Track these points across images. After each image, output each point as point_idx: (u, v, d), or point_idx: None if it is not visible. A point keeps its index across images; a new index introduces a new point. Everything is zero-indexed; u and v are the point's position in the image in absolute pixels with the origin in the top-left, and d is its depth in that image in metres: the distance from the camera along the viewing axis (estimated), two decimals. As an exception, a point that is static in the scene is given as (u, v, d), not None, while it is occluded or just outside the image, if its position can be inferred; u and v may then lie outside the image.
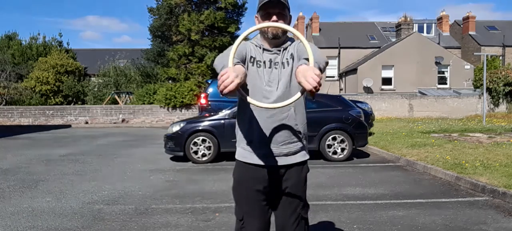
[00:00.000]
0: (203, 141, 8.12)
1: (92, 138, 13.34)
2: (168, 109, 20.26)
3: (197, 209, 4.76)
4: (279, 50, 2.12)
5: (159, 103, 20.27)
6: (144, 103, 21.03)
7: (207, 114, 9.09)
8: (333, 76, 31.60)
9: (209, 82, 12.94)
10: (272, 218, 2.26)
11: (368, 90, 26.55)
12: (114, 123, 20.44)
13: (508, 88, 22.08)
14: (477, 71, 24.60)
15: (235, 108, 8.40)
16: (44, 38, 30.70)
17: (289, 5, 2.13)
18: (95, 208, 4.84)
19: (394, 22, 32.24)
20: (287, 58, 2.11)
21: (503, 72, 22.40)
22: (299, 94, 1.80)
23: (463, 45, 31.78)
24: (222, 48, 21.16)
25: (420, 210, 4.68)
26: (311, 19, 33.51)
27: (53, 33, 74.80)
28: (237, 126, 2.23)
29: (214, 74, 19.98)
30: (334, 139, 8.33)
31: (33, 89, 24.11)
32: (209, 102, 11.57)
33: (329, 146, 8.32)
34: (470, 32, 31.08)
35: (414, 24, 31.03)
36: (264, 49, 2.13)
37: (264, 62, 2.11)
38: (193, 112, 19.49)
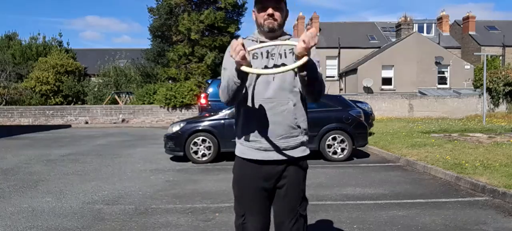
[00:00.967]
0: (203, 141, 8.12)
1: (92, 138, 13.34)
2: (168, 109, 20.26)
3: (197, 209, 4.76)
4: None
5: (159, 103, 20.27)
6: (144, 103, 21.02)
7: (207, 114, 9.08)
8: (333, 76, 31.60)
9: (209, 82, 12.94)
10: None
11: (368, 90, 26.55)
12: (114, 123, 20.44)
13: (508, 88, 22.07)
14: (477, 71, 24.60)
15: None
16: (44, 38, 30.73)
17: None
18: (95, 208, 4.84)
19: (394, 22, 32.24)
20: (285, 50, 2.14)
21: (503, 72, 22.40)
22: (300, 62, 1.86)
23: (463, 45, 31.79)
24: (222, 48, 21.17)
25: (420, 210, 4.68)
26: (311, 19, 33.51)
27: (53, 33, 74.87)
28: (235, 122, 2.25)
29: (214, 74, 20.00)
30: (334, 139, 8.33)
31: (33, 89, 24.10)
32: (209, 102, 11.57)
33: (329, 146, 8.32)
34: (470, 32, 31.08)
35: (414, 24, 31.03)
36: (261, 41, 2.15)
37: (262, 53, 2.14)
38: (193, 112, 19.49)
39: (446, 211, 4.63)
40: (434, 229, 4.02)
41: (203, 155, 8.11)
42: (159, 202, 5.12)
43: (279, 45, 2.10)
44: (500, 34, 30.91)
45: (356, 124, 8.52)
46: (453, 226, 4.10)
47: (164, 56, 22.19)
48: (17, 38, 31.58)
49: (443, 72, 27.64)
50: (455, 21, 33.65)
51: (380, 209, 4.71)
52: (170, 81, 22.13)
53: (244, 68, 1.89)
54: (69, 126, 19.70)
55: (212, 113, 8.91)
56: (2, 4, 67.25)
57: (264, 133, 2.11)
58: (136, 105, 21.05)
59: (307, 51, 1.84)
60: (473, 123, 16.54)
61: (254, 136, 2.13)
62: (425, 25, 32.30)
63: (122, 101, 22.94)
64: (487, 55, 22.50)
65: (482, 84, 19.61)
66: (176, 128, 8.32)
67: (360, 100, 16.06)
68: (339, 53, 31.36)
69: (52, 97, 24.65)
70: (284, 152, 2.13)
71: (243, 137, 2.18)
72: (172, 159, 8.62)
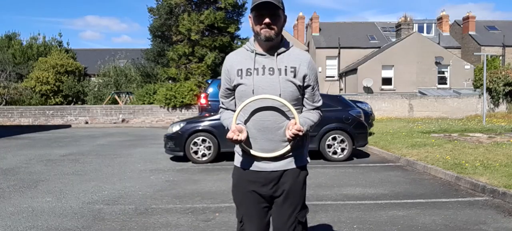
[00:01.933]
0: (203, 141, 8.12)
1: (92, 138, 13.34)
2: (168, 109, 20.26)
3: (197, 209, 4.76)
4: (273, 55, 2.08)
5: (159, 103, 20.27)
6: (144, 103, 21.03)
7: (207, 114, 9.08)
8: (333, 76, 31.61)
9: (209, 82, 12.93)
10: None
11: (368, 90, 26.55)
12: (114, 123, 20.44)
13: (508, 88, 22.08)
14: (477, 71, 24.60)
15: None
16: (44, 38, 30.74)
17: (283, 5, 2.07)
18: (95, 208, 4.84)
19: (394, 22, 32.25)
20: (286, 67, 2.07)
21: (503, 72, 22.40)
22: (288, 147, 2.07)
23: (463, 45, 31.79)
24: (222, 48, 21.19)
25: (420, 210, 4.68)
26: (311, 19, 33.51)
27: (53, 33, 74.87)
28: None
29: (214, 74, 20.00)
30: (334, 139, 8.33)
31: (33, 89, 24.10)
32: (209, 102, 11.56)
33: (329, 146, 8.32)
34: (470, 32, 31.09)
35: (414, 24, 31.04)
36: (257, 53, 2.09)
37: (257, 69, 2.06)
38: (193, 112, 19.49)
39: (446, 211, 4.63)
40: (434, 229, 4.02)
41: (203, 155, 8.11)
42: (159, 202, 5.12)
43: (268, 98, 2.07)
44: (500, 34, 30.92)
45: (356, 124, 8.52)
46: (453, 226, 4.10)
47: (164, 56, 22.18)
48: (17, 38, 31.58)
49: (443, 72, 27.65)
50: (455, 21, 33.66)
51: (380, 209, 4.71)
52: (170, 81, 22.13)
53: (243, 146, 2.10)
54: (69, 126, 19.70)
55: (212, 113, 8.91)
56: (2, 4, 67.28)
57: (261, 148, 2.09)
58: (136, 105, 21.05)
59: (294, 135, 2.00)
60: (473, 123, 16.54)
61: (252, 149, 2.11)
62: (425, 25, 32.31)
63: (122, 101, 22.94)
64: (487, 55, 22.49)
65: (482, 84, 19.61)
66: (176, 128, 8.32)
67: (360, 100, 16.06)
68: (339, 53, 31.36)
69: (52, 97, 24.65)
70: (281, 163, 2.12)
71: (241, 149, 2.16)
72: (172, 159, 8.62)
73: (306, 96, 2.17)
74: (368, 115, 12.27)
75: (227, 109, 2.24)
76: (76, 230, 4.06)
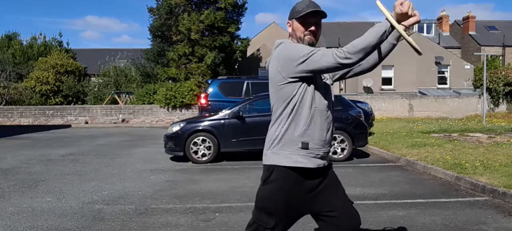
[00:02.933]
0: (203, 141, 8.12)
1: (92, 138, 13.34)
2: (168, 109, 20.26)
3: (197, 209, 4.76)
4: None
5: (159, 103, 20.27)
6: (144, 103, 21.03)
7: (207, 114, 9.09)
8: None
9: (209, 82, 12.94)
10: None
11: (368, 90, 26.55)
12: (114, 123, 20.44)
13: (508, 88, 22.07)
14: (477, 71, 24.60)
15: (235, 108, 8.42)
16: (44, 38, 30.72)
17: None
18: (95, 208, 4.84)
19: (394, 22, 32.20)
20: None
21: (503, 72, 22.39)
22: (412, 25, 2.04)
23: (463, 45, 31.79)
24: (222, 48, 21.20)
25: (420, 210, 4.68)
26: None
27: (53, 33, 74.90)
28: (283, 129, 2.10)
29: (214, 74, 19.99)
30: (334, 138, 8.33)
31: (33, 89, 24.10)
32: (209, 102, 11.57)
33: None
34: (470, 32, 31.09)
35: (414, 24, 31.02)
36: None
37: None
38: (193, 112, 19.48)
39: (446, 211, 4.63)
40: (434, 229, 4.02)
41: (203, 155, 8.10)
42: (159, 202, 5.12)
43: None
44: (500, 34, 30.92)
45: (356, 124, 8.52)
46: (453, 226, 4.10)
47: (164, 56, 22.19)
48: (17, 38, 31.58)
49: (443, 72, 27.65)
50: (455, 21, 33.65)
51: (380, 209, 4.71)
52: (170, 81, 22.13)
53: (400, 30, 1.97)
54: (69, 126, 19.69)
55: (212, 113, 8.92)
56: (2, 4, 67.27)
57: (322, 140, 2.13)
58: (136, 105, 21.04)
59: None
60: (473, 123, 16.54)
61: (313, 144, 2.10)
62: (425, 25, 32.31)
63: (122, 101, 22.94)
64: (487, 55, 22.49)
65: (482, 84, 19.60)
66: (176, 128, 8.32)
67: (360, 100, 16.06)
68: (339, 53, 31.33)
69: (52, 97, 24.65)
70: (327, 157, 2.22)
71: (297, 146, 2.08)
72: (172, 159, 8.62)
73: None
74: (368, 115, 12.27)
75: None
76: (76, 230, 4.06)
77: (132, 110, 20.62)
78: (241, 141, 8.11)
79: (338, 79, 2.40)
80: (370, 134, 11.42)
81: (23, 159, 8.72)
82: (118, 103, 22.31)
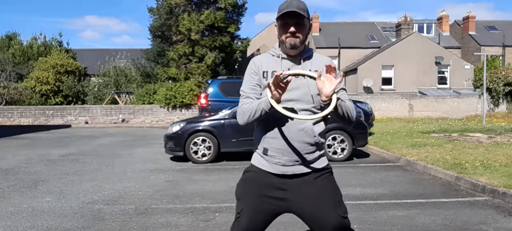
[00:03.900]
0: (203, 141, 8.12)
1: (92, 138, 13.34)
2: (168, 109, 20.27)
3: (197, 209, 4.76)
4: (299, 59, 2.11)
5: (159, 103, 20.27)
6: (144, 103, 21.03)
7: (207, 114, 9.09)
8: (333, 76, 31.57)
9: (209, 82, 12.94)
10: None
11: (368, 90, 26.55)
12: (114, 123, 20.45)
13: (508, 88, 22.08)
14: (477, 71, 24.60)
15: (235, 108, 8.42)
16: (44, 38, 30.72)
17: (308, 14, 2.10)
18: (95, 208, 4.84)
19: (394, 22, 32.24)
20: (310, 70, 2.08)
21: (503, 72, 22.40)
22: (331, 107, 1.92)
23: (463, 45, 31.78)
24: (222, 48, 21.19)
25: (420, 210, 4.67)
26: (311, 19, 33.51)
27: (53, 33, 74.74)
28: (255, 131, 2.19)
29: (214, 74, 20.00)
30: (334, 139, 8.33)
31: (33, 89, 24.10)
32: (209, 102, 11.58)
33: (329, 146, 8.32)
34: (470, 32, 31.08)
35: (414, 24, 31.04)
36: (282, 57, 2.12)
37: (283, 71, 2.06)
38: (193, 112, 19.49)
39: (446, 211, 4.63)
40: (434, 229, 4.02)
41: (203, 155, 8.10)
42: (159, 202, 5.12)
43: (302, 74, 2.03)
44: (500, 34, 30.91)
45: (356, 124, 8.52)
46: (453, 226, 4.10)
47: (164, 56, 22.20)
48: (17, 38, 31.58)
49: (443, 72, 27.64)
50: (455, 21, 33.64)
51: (380, 209, 4.71)
52: (170, 81, 22.13)
53: (278, 107, 1.90)
54: (69, 126, 19.70)
55: (212, 113, 8.92)
56: (3, 4, 67.27)
57: (281, 150, 2.06)
58: (136, 105, 21.05)
59: (332, 93, 1.91)
60: (473, 123, 16.54)
61: (272, 151, 2.08)
62: (425, 25, 32.30)
63: (122, 101, 22.94)
64: (487, 55, 22.50)
65: (482, 84, 19.61)
66: (176, 128, 8.32)
67: (360, 100, 16.06)
68: (339, 53, 31.36)
69: (52, 97, 24.65)
70: (301, 166, 2.09)
71: (262, 150, 2.12)
72: (172, 159, 8.62)
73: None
74: (368, 115, 12.27)
75: (251, 100, 2.11)
76: (76, 230, 4.06)
77: (132, 110, 20.63)
78: (241, 141, 8.11)
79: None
80: (370, 134, 11.42)
81: (23, 159, 8.72)
82: (118, 103, 22.32)
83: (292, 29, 2.04)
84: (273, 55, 2.16)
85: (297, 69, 2.05)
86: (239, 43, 23.47)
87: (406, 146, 9.33)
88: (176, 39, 21.38)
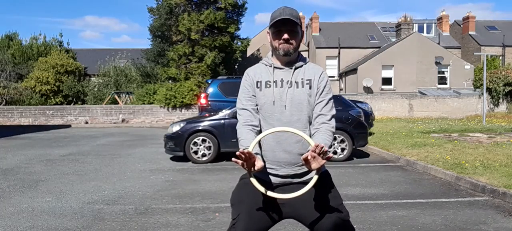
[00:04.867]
0: (203, 141, 8.12)
1: (92, 138, 13.34)
2: (168, 109, 20.27)
3: (197, 209, 4.76)
4: (291, 68, 2.13)
5: (159, 103, 20.27)
6: (144, 103, 21.03)
7: (207, 114, 9.09)
8: (333, 76, 31.60)
9: (209, 82, 12.94)
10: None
11: (368, 90, 26.55)
12: (114, 123, 20.44)
13: (508, 88, 22.07)
14: (477, 71, 24.60)
15: (235, 108, 8.42)
16: (45, 38, 30.69)
17: (300, 22, 2.12)
18: (95, 208, 4.84)
19: (394, 22, 32.24)
20: (302, 79, 2.12)
21: (503, 72, 22.40)
22: (315, 178, 1.93)
23: (463, 45, 31.78)
24: (222, 48, 21.18)
25: (420, 210, 4.68)
26: (311, 19, 33.51)
27: (53, 33, 74.85)
28: None
29: (214, 74, 20.00)
30: (334, 138, 8.33)
31: (33, 89, 24.10)
32: (209, 102, 11.57)
33: (329, 146, 8.31)
34: (470, 32, 31.08)
35: (414, 24, 31.03)
36: (275, 67, 2.15)
37: (276, 82, 2.12)
38: (193, 112, 19.49)
39: (446, 211, 4.63)
40: (434, 229, 4.02)
41: (203, 155, 8.11)
42: (159, 202, 5.12)
43: (284, 131, 2.00)
44: (500, 34, 30.91)
45: (356, 124, 8.52)
46: (453, 226, 4.10)
47: (164, 56, 22.19)
48: (17, 38, 31.57)
49: (443, 72, 27.65)
50: (455, 21, 33.64)
51: (380, 209, 4.71)
52: (170, 81, 22.13)
53: (258, 186, 1.93)
54: (69, 126, 19.70)
55: (212, 113, 8.92)
56: (2, 4, 67.27)
57: (279, 162, 2.08)
58: (136, 105, 21.05)
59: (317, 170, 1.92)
60: (473, 123, 16.54)
61: (269, 163, 2.09)
62: (425, 25, 32.30)
63: (122, 101, 22.94)
64: (487, 55, 22.50)
65: (482, 84, 19.61)
66: (176, 128, 8.32)
67: (360, 100, 16.06)
68: (339, 53, 31.36)
69: (52, 97, 24.64)
70: (297, 177, 2.10)
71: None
72: (172, 159, 8.62)
73: (320, 106, 2.16)
74: (368, 115, 12.27)
75: (249, 112, 2.14)
76: (76, 230, 4.06)
77: (132, 110, 20.62)
78: (241, 141, 8.10)
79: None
80: (370, 134, 11.42)
81: (23, 159, 8.72)
82: (118, 103, 22.31)
83: (285, 36, 2.06)
84: (266, 65, 2.19)
85: (273, 128, 2.00)
86: (239, 43, 23.46)
87: (406, 146, 9.33)
88: (176, 39, 21.38)
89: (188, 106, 20.14)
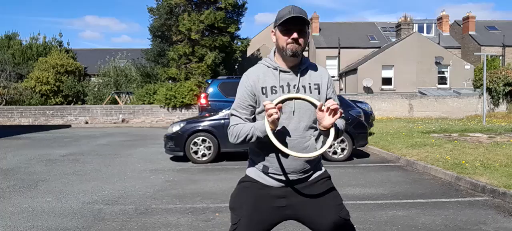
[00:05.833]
0: (203, 141, 8.12)
1: (92, 138, 13.34)
2: (168, 109, 20.27)
3: (197, 209, 4.76)
4: (297, 71, 2.04)
5: (159, 103, 20.27)
6: (144, 103, 21.03)
7: (207, 114, 9.08)
8: (333, 76, 31.59)
9: (209, 82, 12.93)
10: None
11: (368, 90, 26.55)
12: (114, 123, 20.44)
13: (508, 88, 22.07)
14: (477, 71, 24.59)
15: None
16: (44, 38, 30.75)
17: (308, 22, 2.05)
18: (95, 208, 4.84)
19: (394, 22, 32.24)
20: (309, 84, 2.05)
21: (503, 72, 22.40)
22: (328, 144, 1.96)
23: (463, 45, 31.78)
24: (222, 48, 21.18)
25: (420, 210, 4.68)
26: (311, 19, 33.50)
27: (53, 33, 74.87)
28: (250, 149, 2.13)
29: (214, 74, 20.00)
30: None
31: (33, 89, 24.10)
32: (209, 102, 11.56)
33: (329, 146, 8.30)
34: (470, 32, 31.06)
35: (414, 24, 31.02)
36: (280, 70, 2.04)
37: (282, 86, 2.01)
38: (193, 112, 19.49)
39: (446, 211, 4.63)
40: (434, 229, 4.02)
41: (203, 155, 8.10)
42: (159, 202, 5.12)
43: (299, 98, 1.99)
44: (500, 34, 30.90)
45: (356, 124, 8.52)
46: (453, 226, 4.10)
47: (164, 56, 22.19)
48: (17, 38, 31.58)
49: (443, 72, 27.64)
50: (455, 21, 33.63)
51: (380, 209, 4.71)
52: (170, 81, 22.13)
53: (276, 142, 1.87)
54: (69, 126, 19.70)
55: (212, 113, 8.91)
56: (2, 4, 67.28)
57: (284, 169, 2.02)
58: (136, 105, 21.05)
59: (331, 126, 1.92)
60: (473, 123, 16.54)
61: (273, 169, 2.03)
62: (425, 25, 32.29)
63: (122, 101, 22.94)
64: (487, 55, 22.49)
65: (482, 84, 19.60)
66: (176, 128, 8.32)
67: (360, 100, 16.04)
68: (339, 53, 31.35)
69: (52, 97, 24.65)
70: (301, 182, 2.08)
71: (262, 167, 2.06)
72: (172, 159, 8.62)
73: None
74: (368, 115, 12.26)
75: (242, 121, 2.05)
76: (76, 230, 4.06)
77: (132, 110, 20.62)
78: (241, 141, 8.10)
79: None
80: (370, 134, 11.41)
81: (23, 159, 8.72)
82: (118, 103, 22.31)
83: (295, 35, 1.94)
84: (269, 67, 2.06)
85: (292, 94, 1.99)
86: (239, 43, 23.47)
87: (406, 146, 9.33)
88: (176, 39, 21.38)
89: (188, 106, 20.14)
